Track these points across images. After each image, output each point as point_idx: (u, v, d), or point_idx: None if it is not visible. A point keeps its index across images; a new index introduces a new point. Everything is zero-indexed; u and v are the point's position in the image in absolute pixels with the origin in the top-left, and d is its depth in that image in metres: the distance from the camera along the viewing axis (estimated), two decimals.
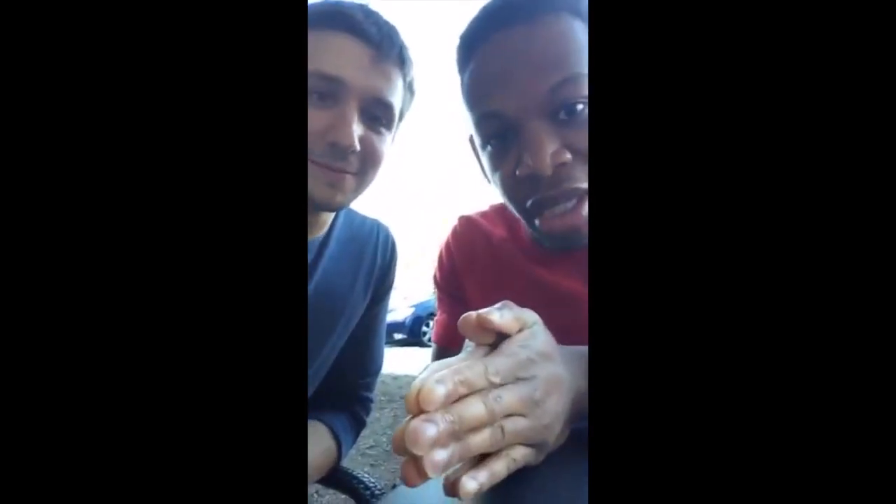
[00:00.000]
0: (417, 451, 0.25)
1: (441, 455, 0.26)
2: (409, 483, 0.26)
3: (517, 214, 0.55)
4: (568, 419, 0.34)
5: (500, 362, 0.30)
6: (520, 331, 0.33)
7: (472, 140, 0.59)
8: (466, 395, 0.28)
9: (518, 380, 0.30)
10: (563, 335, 0.37)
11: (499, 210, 0.70)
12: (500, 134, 0.50)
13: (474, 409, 0.28)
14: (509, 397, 0.29)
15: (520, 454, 0.30)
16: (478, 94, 0.51)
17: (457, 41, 0.54)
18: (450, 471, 0.29)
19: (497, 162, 0.52)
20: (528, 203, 0.50)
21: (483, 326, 0.32)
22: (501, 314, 0.32)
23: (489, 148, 0.52)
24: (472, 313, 0.32)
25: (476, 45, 0.51)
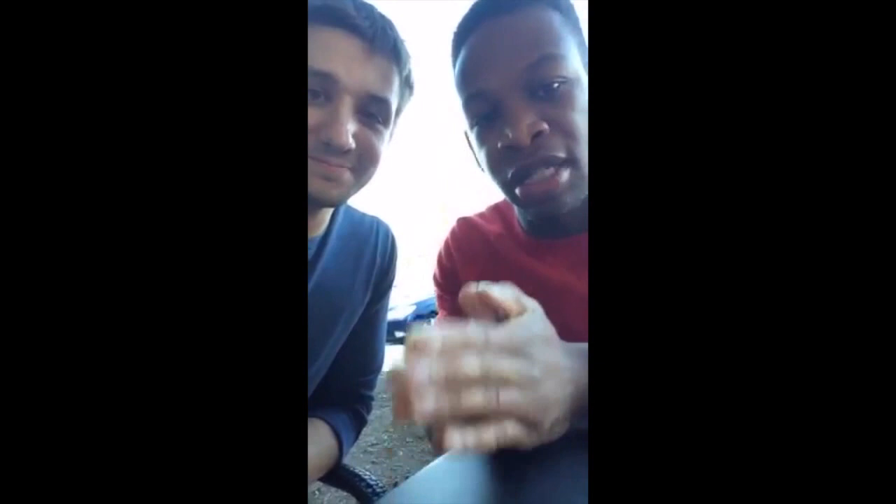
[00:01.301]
0: (410, 388, 0.26)
1: (431, 399, 0.26)
2: (397, 417, 0.27)
3: (501, 190, 0.58)
4: (567, 409, 0.33)
5: (500, 333, 0.30)
6: (520, 315, 0.33)
7: (466, 133, 0.62)
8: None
9: (517, 353, 0.30)
10: (559, 327, 0.37)
11: (494, 209, 0.72)
12: (484, 113, 0.55)
13: (469, 362, 0.28)
14: (506, 364, 0.29)
15: (512, 429, 0.30)
16: (464, 79, 0.56)
17: (451, 38, 0.58)
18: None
19: (482, 140, 0.56)
20: (510, 174, 0.54)
21: (482, 300, 0.32)
22: (502, 291, 0.33)
23: (476, 128, 0.56)
24: (473, 286, 0.32)
25: (465, 37, 0.55)
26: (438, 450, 0.28)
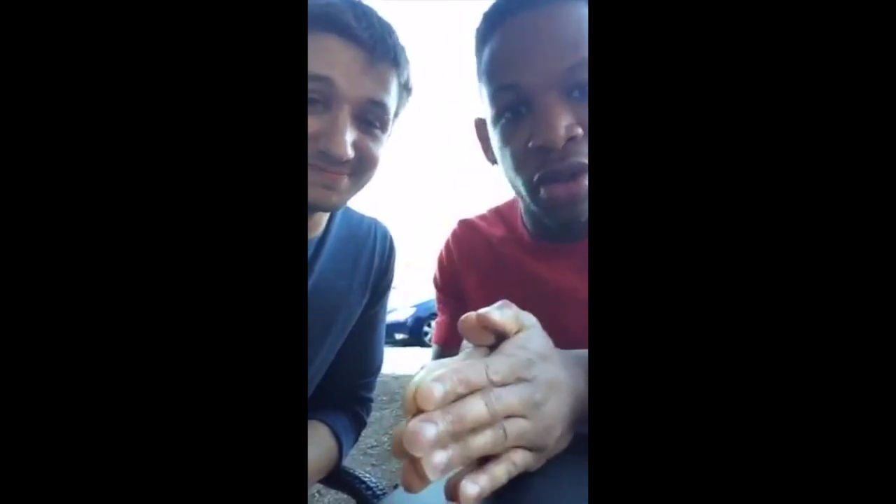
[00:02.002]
0: (417, 453, 0.24)
1: (441, 457, 0.25)
2: (409, 489, 0.25)
3: (522, 190, 0.56)
4: (569, 423, 0.33)
5: (501, 361, 0.30)
6: (518, 332, 0.33)
7: (477, 123, 0.60)
8: (466, 395, 0.27)
9: (518, 380, 0.30)
10: (562, 333, 0.36)
11: (496, 213, 0.71)
12: (514, 107, 0.52)
13: (475, 408, 0.27)
14: (510, 397, 0.29)
15: (520, 458, 0.30)
16: (497, 68, 0.53)
17: (479, 19, 0.56)
18: (450, 474, 0.28)
19: (509, 135, 0.54)
20: (537, 176, 0.52)
21: (483, 325, 0.31)
22: (502, 313, 0.32)
23: (502, 121, 0.54)
24: (473, 313, 0.31)
25: (498, 24, 0.53)
26: (453, 496, 0.27)
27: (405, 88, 0.59)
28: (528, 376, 0.30)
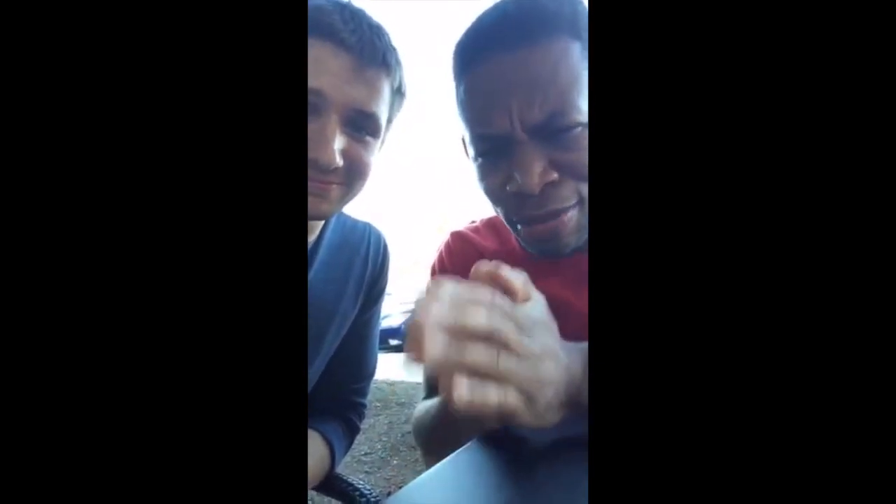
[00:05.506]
0: (423, 331, 0.27)
1: (439, 344, 0.28)
2: (408, 357, 0.28)
3: (504, 220, 0.58)
4: (561, 397, 0.34)
5: (506, 304, 0.32)
6: (525, 301, 0.34)
7: (464, 141, 0.61)
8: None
9: (520, 329, 0.31)
10: None
11: (489, 225, 0.71)
12: (492, 151, 0.52)
13: (476, 316, 0.29)
14: (509, 328, 0.30)
15: (512, 397, 0.30)
16: (473, 114, 0.52)
17: (454, 49, 0.55)
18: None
19: (486, 173, 0.54)
20: (515, 217, 0.54)
21: (493, 277, 0.33)
22: (513, 273, 0.33)
23: (480, 160, 0.54)
24: (487, 262, 0.33)
25: (474, 60, 0.51)
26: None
27: (398, 92, 0.58)
28: (529, 330, 0.32)
